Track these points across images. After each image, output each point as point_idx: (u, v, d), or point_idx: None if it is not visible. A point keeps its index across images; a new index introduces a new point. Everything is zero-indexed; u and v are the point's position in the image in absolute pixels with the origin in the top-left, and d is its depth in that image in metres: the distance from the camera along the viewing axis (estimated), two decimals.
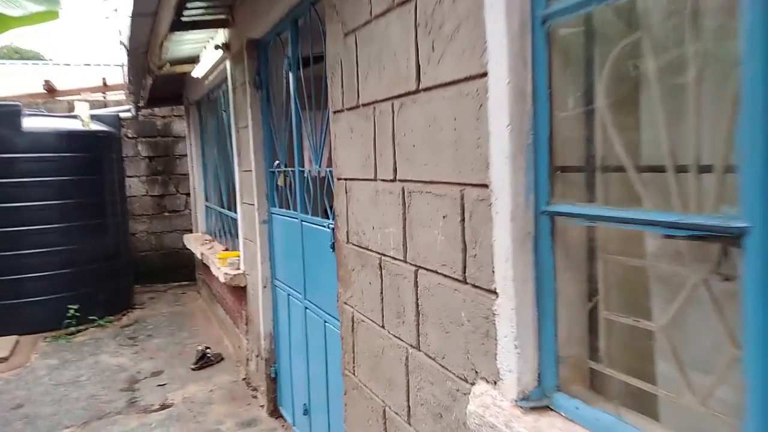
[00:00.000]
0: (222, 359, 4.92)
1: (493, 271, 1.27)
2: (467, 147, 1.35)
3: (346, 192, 2.13)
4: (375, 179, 1.88)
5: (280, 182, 3.43)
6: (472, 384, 1.38)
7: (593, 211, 1.12)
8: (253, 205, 3.81)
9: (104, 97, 8.71)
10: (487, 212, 1.28)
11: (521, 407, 1.20)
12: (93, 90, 8.62)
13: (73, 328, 5.92)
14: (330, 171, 2.47)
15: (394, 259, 1.77)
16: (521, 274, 1.20)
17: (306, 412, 3.07)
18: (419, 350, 1.65)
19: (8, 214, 5.86)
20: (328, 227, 2.47)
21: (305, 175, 2.90)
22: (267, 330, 3.77)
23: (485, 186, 1.28)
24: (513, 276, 1.20)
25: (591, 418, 1.09)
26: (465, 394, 1.41)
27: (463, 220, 1.38)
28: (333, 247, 2.39)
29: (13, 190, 5.88)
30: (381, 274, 1.88)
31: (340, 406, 2.38)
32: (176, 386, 4.38)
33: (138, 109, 7.62)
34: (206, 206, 6.87)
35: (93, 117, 6.78)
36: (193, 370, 4.72)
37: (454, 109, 1.39)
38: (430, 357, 1.59)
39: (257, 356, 4.03)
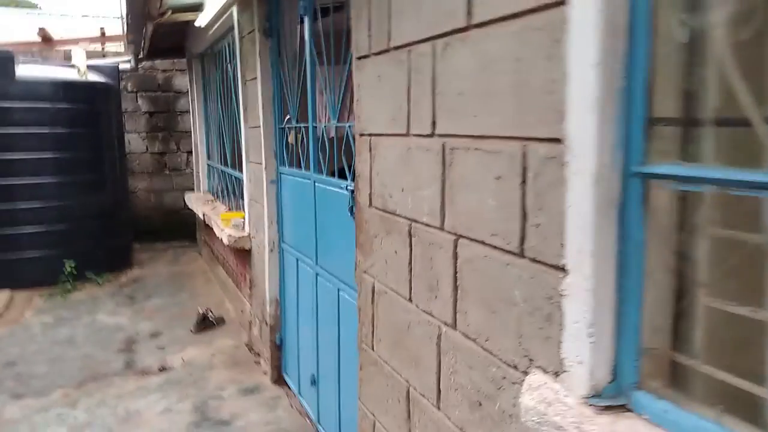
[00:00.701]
0: (223, 322, 4.77)
1: (563, 244, 1.06)
2: (534, 94, 1.12)
3: (371, 150, 1.91)
4: (407, 134, 1.65)
5: (291, 139, 3.20)
6: (525, 373, 1.19)
7: (701, 172, 0.90)
8: (260, 164, 3.58)
9: (102, 49, 8.37)
10: (559, 173, 1.06)
11: (593, 406, 1.00)
12: (91, 40, 8.26)
13: (69, 286, 5.76)
14: (350, 127, 2.24)
15: (428, 226, 1.56)
16: (602, 249, 0.99)
17: (314, 382, 2.91)
18: (455, 329, 1.46)
19: (1, 164, 5.63)
20: (347, 189, 2.25)
21: (320, 131, 2.66)
22: (273, 296, 3.60)
23: (557, 141, 1.06)
24: (592, 250, 0.99)
25: (686, 426, 0.90)
26: (514, 383, 1.22)
27: (523, 182, 1.17)
28: (352, 211, 2.18)
29: (5, 139, 5.63)
30: (410, 242, 1.67)
31: (353, 379, 2.21)
32: (176, 349, 4.24)
33: (138, 61, 7.30)
34: (209, 165, 6.64)
35: (90, 67, 6.48)
36: (193, 332, 4.58)
37: (518, 47, 1.16)
38: (469, 338, 1.40)
39: (261, 321, 3.87)
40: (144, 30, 5.37)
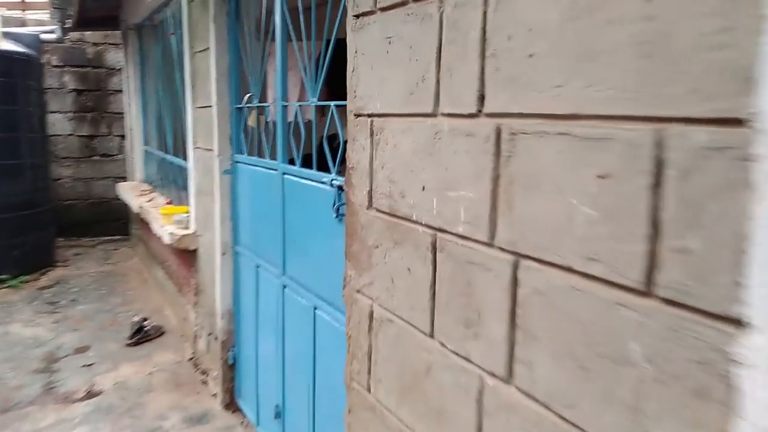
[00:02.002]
0: (163, 333, 4.23)
1: (739, 283, 0.69)
2: (684, 50, 0.74)
3: (372, 134, 1.49)
4: (433, 114, 1.25)
5: (251, 122, 2.73)
6: None
7: None
8: (211, 150, 3.08)
9: (22, 15, 7.48)
10: (735, 171, 0.69)
11: None
12: (8, 6, 7.37)
13: None
14: (336, 106, 1.81)
15: (466, 239, 1.16)
16: None
17: (278, 415, 2.47)
18: (509, 384, 1.07)
19: None
20: (331, 184, 1.83)
21: (294, 112, 2.21)
22: (225, 306, 3.11)
23: (734, 123, 0.69)
24: None
25: None
26: None
27: (657, 184, 0.79)
28: (338, 211, 1.76)
29: None
30: (434, 258, 1.27)
31: (333, 420, 1.80)
32: (106, 367, 3.67)
33: (65, 31, 6.52)
34: (145, 151, 5.99)
35: (7, 35, 5.69)
36: (127, 345, 4.02)
37: None
38: (536, 400, 1.01)
39: (210, 335, 3.38)
40: None
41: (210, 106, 3.03)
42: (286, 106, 2.29)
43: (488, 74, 1.09)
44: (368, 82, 1.51)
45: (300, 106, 2.16)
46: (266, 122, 2.52)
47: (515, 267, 1.04)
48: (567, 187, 0.93)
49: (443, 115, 1.22)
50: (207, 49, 3.03)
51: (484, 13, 1.09)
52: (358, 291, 1.62)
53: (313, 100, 2.01)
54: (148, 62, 5.47)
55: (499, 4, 1.06)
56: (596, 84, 0.87)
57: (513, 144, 1.03)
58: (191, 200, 3.62)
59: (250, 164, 2.73)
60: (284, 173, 2.29)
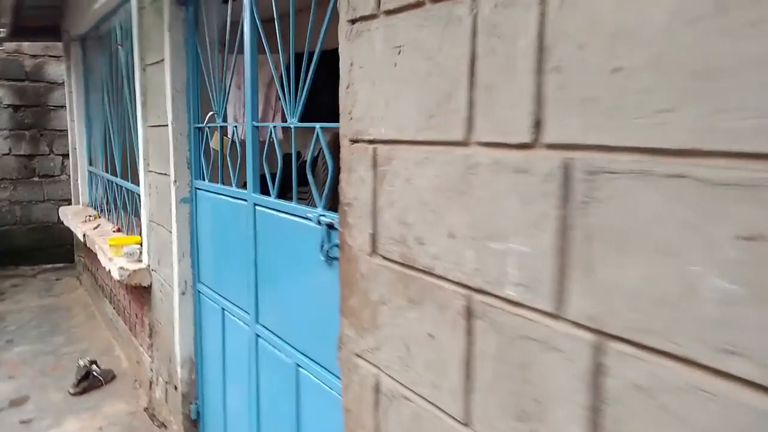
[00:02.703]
0: (113, 377, 3.81)
1: None
2: None
3: (376, 165, 1.23)
4: (464, 143, 0.99)
5: (214, 144, 2.42)
6: None
7: None
8: (166, 175, 2.75)
9: None
10: None
11: None
12: None
13: None
14: (321, 128, 1.54)
15: (518, 305, 0.91)
16: None
17: None
18: None
19: None
20: (319, 222, 1.54)
21: (268, 134, 1.92)
22: (186, 353, 2.76)
23: None
24: None
25: None
26: None
27: None
28: (328, 254, 1.48)
29: None
30: (468, 325, 1.01)
31: None
32: (48, 422, 3.24)
33: None
34: (90, 172, 5.54)
35: None
36: (73, 394, 3.59)
37: None
38: None
39: (168, 383, 3.01)
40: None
41: (165, 125, 2.70)
42: (257, 127, 1.99)
43: (548, 93, 0.84)
44: (369, 101, 1.24)
45: (275, 127, 1.87)
46: (235, 144, 2.22)
47: (598, 350, 0.79)
48: (687, 250, 0.68)
49: (479, 144, 0.97)
50: (161, 61, 2.70)
51: (542, 15, 0.84)
52: (359, 355, 1.33)
53: (293, 121, 1.72)
54: (94, 76, 5.06)
55: (564, 3, 0.81)
56: (730, 110, 0.63)
57: (592, 186, 0.78)
58: (144, 230, 3.25)
59: (213, 192, 2.42)
60: (256, 204, 1.99)
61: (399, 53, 1.15)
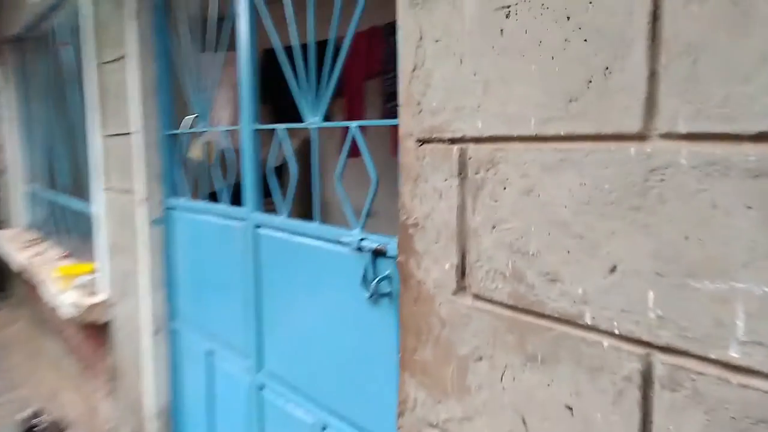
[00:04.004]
0: (63, 431, 3.30)
1: None
2: None
3: (465, 171, 0.92)
4: (640, 135, 0.70)
5: (196, 153, 2.05)
6: None
7: None
8: (130, 192, 2.35)
9: None
10: None
11: None
12: None
13: None
14: (360, 126, 1.22)
15: (747, 373, 0.62)
16: None
17: None
18: None
19: None
20: (360, 248, 1.21)
21: (278, 137, 1.57)
22: (160, 403, 2.35)
23: None
24: None
25: None
26: None
27: None
28: (376, 290, 1.15)
29: None
30: (647, 398, 0.71)
31: None
32: None
33: None
34: (30, 191, 4.98)
35: None
36: None
37: None
38: None
39: None
40: None
41: (129, 134, 2.30)
42: (259, 130, 1.64)
43: None
44: (452, 86, 0.93)
45: (285, 131, 1.52)
46: (222, 155, 1.86)
47: None
48: None
49: (670, 136, 0.67)
50: (122, 57, 2.31)
51: None
52: (436, 426, 1.01)
53: (313, 120, 1.38)
54: (33, 82, 4.54)
55: None
56: None
57: None
58: (101, 257, 2.82)
59: (194, 212, 2.04)
60: (259, 226, 1.64)
61: (507, 16, 0.84)
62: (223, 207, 1.84)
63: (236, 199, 1.87)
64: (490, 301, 0.90)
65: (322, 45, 1.31)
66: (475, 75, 0.90)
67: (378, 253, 1.19)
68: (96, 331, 2.99)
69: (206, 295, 2.01)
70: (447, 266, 0.97)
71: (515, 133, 0.84)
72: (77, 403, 3.57)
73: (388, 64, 2.98)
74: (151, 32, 2.18)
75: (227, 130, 1.83)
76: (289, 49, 1.43)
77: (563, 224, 0.79)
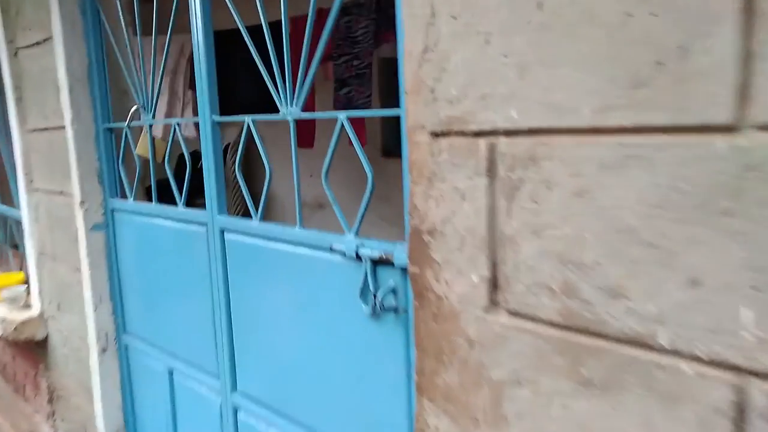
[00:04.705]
0: None
1: None
2: None
3: (495, 170, 0.81)
4: (731, 127, 0.61)
5: (142, 150, 1.83)
6: None
7: None
8: (63, 194, 2.11)
9: None
10: None
11: None
12: None
13: None
14: (345, 118, 1.09)
15: None
16: None
17: None
18: None
19: None
20: (358, 256, 1.08)
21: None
22: (113, 426, 2.14)
23: None
24: None
25: None
26: None
27: None
28: (381, 305, 1.03)
29: None
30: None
31: None
32: None
33: None
34: None
35: None
36: None
37: None
38: None
39: None
40: None
41: (59, 128, 2.05)
42: (219, 122, 1.46)
43: None
44: (476, 69, 0.81)
45: (250, 122, 1.35)
46: (172, 149, 1.66)
47: None
48: None
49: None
50: (46, 40, 2.04)
51: None
52: None
53: (288, 109, 1.22)
54: None
55: None
56: None
57: None
58: (31, 267, 2.54)
59: (144, 215, 1.83)
60: (226, 230, 1.46)
61: None
62: (180, 209, 1.65)
63: (192, 199, 1.69)
64: (533, 319, 0.79)
65: (276, 26, 1.16)
66: (506, 57, 0.78)
67: (380, 263, 1.06)
68: (30, 348, 2.72)
69: (164, 308, 1.82)
70: (475, 279, 0.85)
71: (563, 124, 0.73)
72: (10, 427, 3.27)
73: (337, 48, 2.82)
74: (79, 12, 1.93)
75: (180, 123, 1.63)
76: (256, 30, 1.26)
77: (629, 231, 0.68)
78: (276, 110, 1.25)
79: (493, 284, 0.83)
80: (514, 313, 0.81)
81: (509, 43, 0.77)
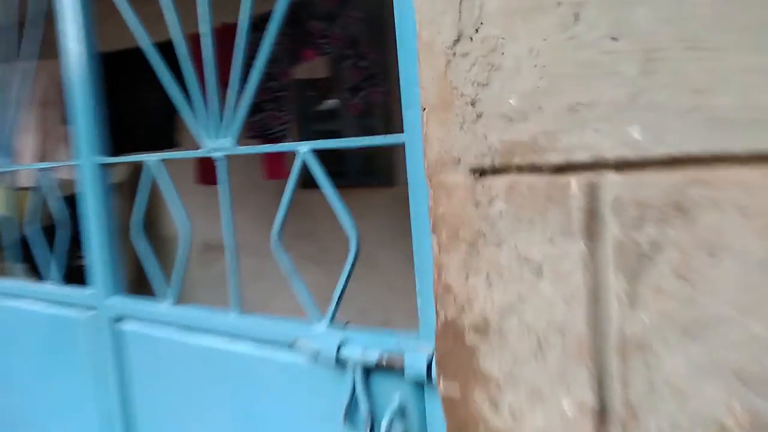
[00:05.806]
0: None
1: None
2: None
3: (616, 226, 0.48)
4: None
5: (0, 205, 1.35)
6: None
7: None
8: None
9: None
10: None
11: None
12: None
13: None
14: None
15: None
16: None
17: None
18: None
19: None
20: (338, 360, 0.71)
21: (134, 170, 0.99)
22: None
23: None
24: None
25: None
26: None
27: None
28: (371, 428, 0.66)
29: None
30: None
31: None
32: None
33: None
34: None
35: None
36: None
37: None
38: None
39: None
40: None
41: None
42: (105, 165, 1.05)
43: None
44: (560, 62, 0.50)
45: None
46: (40, 203, 1.21)
47: None
48: None
49: None
50: None
51: None
52: None
53: (223, 141, 0.85)
54: None
55: None
56: None
57: None
58: None
59: None
60: (120, 319, 1.04)
61: None
62: (52, 287, 1.20)
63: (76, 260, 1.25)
64: None
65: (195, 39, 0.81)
66: (615, 40, 0.47)
67: (378, 369, 0.70)
68: None
69: (25, 427, 1.32)
70: (568, 408, 0.52)
71: (742, 148, 0.43)
72: None
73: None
74: None
75: (50, 168, 1.20)
76: (165, 48, 0.89)
77: None
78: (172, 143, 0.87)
79: (601, 418, 0.51)
80: None
81: (623, 16, 0.47)
